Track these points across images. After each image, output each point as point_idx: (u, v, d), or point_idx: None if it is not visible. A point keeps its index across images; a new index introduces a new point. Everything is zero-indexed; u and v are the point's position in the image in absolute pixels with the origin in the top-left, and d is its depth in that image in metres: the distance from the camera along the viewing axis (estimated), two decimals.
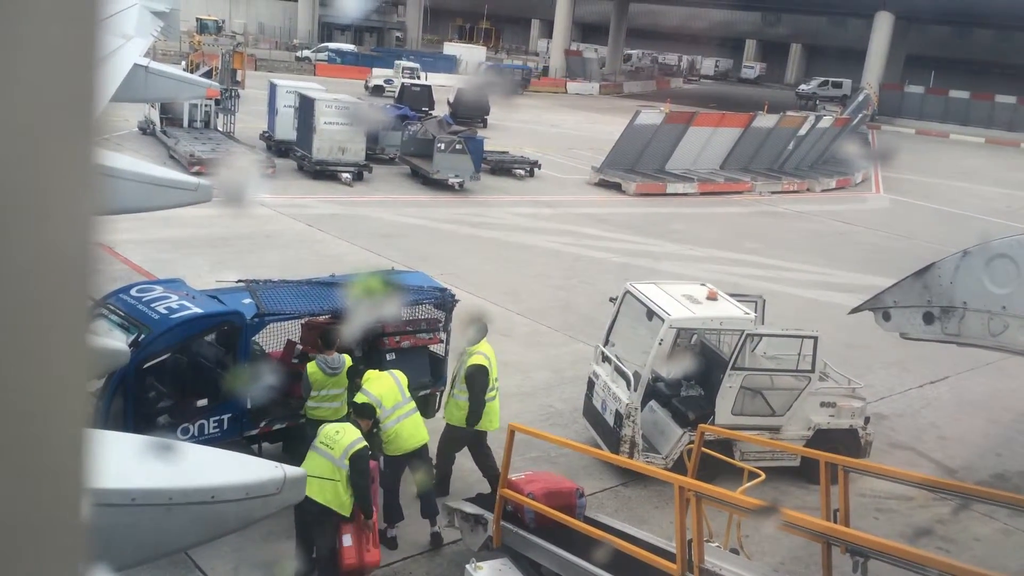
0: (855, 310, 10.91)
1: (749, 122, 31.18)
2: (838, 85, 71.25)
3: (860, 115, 43.95)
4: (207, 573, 7.58)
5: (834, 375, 10.75)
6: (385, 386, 8.14)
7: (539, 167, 28.50)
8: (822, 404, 10.22)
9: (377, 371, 8.41)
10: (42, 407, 0.64)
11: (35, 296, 0.63)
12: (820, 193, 31.69)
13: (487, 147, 27.28)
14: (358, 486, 7.20)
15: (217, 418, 8.36)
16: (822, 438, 9.87)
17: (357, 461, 7.17)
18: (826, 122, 34.68)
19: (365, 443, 7.31)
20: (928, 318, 9.79)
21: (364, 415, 7.70)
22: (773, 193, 30.35)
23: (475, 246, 19.37)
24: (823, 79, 74.99)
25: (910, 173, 37.94)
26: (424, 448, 8.33)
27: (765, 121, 31.92)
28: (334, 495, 7.19)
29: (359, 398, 8.00)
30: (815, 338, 10.02)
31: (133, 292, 8.43)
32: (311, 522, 7.31)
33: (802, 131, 32.52)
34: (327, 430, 7.39)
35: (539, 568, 7.09)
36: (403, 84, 39.02)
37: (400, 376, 8.36)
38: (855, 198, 31.98)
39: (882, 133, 55.30)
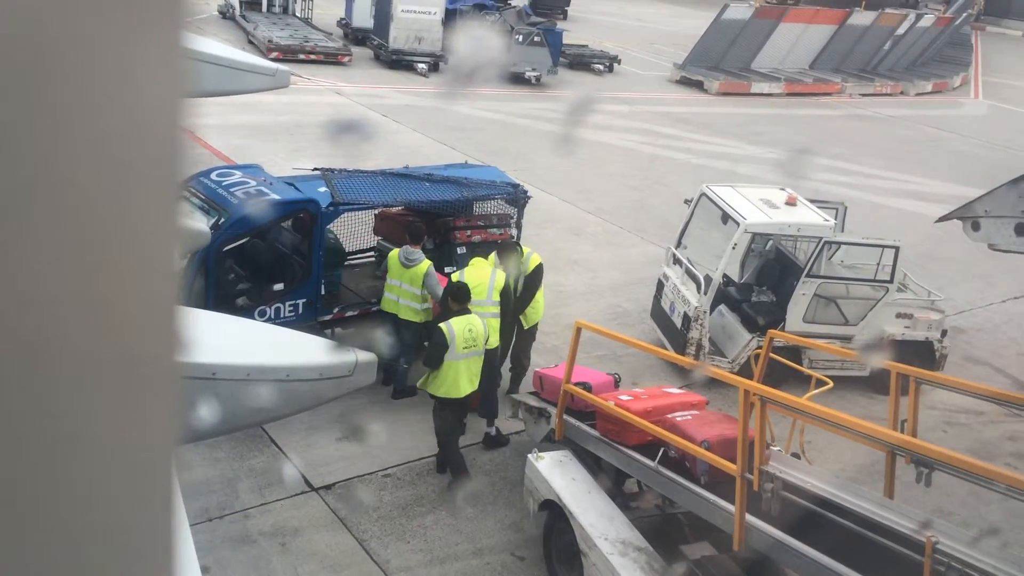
0: (943, 218, 10.53)
1: (844, 19, 29.54)
2: None
3: (964, 15, 41.22)
4: (281, 447, 7.99)
5: (913, 286, 10.49)
6: (478, 278, 8.27)
7: (619, 62, 27.68)
8: (898, 315, 10.01)
9: (482, 259, 8.60)
10: (135, 283, 0.68)
11: (130, 176, 0.66)
12: (915, 97, 30.15)
13: (566, 40, 26.56)
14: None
15: (292, 302, 8.63)
16: (896, 349, 9.72)
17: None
18: (927, 21, 32.70)
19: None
20: (1020, 229, 9.39)
21: (459, 298, 7.79)
22: (864, 95, 28.99)
23: (549, 143, 19.11)
24: None
25: (1013, 78, 35.73)
26: (493, 351, 8.24)
27: (861, 18, 30.20)
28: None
29: (454, 277, 8.32)
30: (896, 248, 9.74)
31: (213, 176, 8.63)
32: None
33: (900, 30, 30.75)
34: (460, 331, 7.57)
35: (599, 461, 7.25)
36: None
37: (499, 276, 8.43)
38: (952, 103, 30.37)
39: (987, 35, 51.88)
